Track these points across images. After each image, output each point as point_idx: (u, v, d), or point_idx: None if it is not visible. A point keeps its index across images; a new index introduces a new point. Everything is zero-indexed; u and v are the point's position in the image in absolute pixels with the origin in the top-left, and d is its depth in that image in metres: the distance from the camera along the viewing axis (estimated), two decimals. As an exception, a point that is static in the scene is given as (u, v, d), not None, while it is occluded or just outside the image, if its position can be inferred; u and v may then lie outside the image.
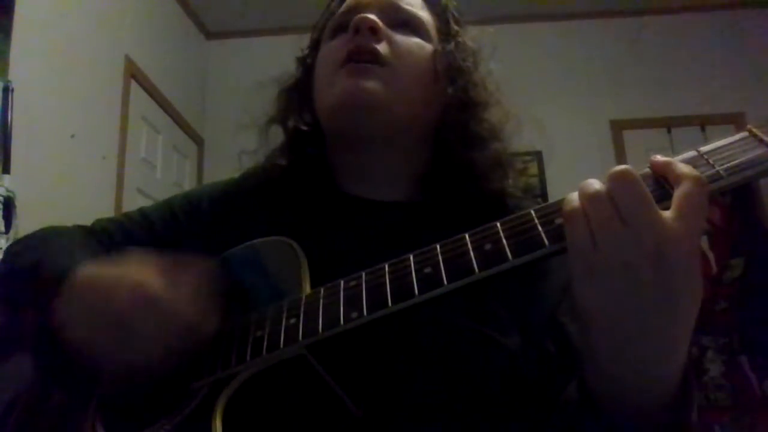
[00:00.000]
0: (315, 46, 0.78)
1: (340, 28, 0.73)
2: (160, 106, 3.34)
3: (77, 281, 0.55)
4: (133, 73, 3.01)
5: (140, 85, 3.10)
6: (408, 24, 0.72)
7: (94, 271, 0.56)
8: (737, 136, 0.48)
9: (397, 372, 0.57)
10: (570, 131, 3.62)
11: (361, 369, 0.55)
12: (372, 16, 0.69)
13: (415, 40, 0.72)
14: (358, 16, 0.69)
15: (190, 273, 0.55)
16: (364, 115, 0.67)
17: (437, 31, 0.75)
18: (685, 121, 3.63)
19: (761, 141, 0.46)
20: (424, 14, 0.75)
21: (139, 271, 0.54)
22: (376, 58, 0.68)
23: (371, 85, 0.66)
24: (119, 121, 2.86)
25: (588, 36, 3.92)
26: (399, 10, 0.73)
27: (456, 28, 0.76)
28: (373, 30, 0.68)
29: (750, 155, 0.46)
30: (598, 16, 3.93)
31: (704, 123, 3.56)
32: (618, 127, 3.75)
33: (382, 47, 0.68)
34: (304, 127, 0.76)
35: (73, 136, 2.44)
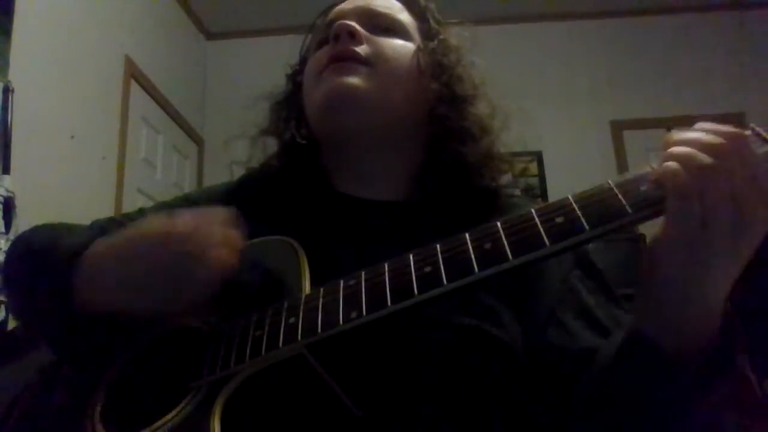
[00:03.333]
0: (303, 63, 0.80)
1: (323, 41, 0.75)
2: (160, 106, 3.33)
3: (99, 247, 0.57)
4: (133, 73, 3.01)
5: (140, 85, 3.10)
6: (389, 27, 0.74)
7: (111, 238, 0.58)
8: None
9: (396, 371, 0.57)
10: (570, 131, 3.63)
11: (361, 368, 0.55)
12: (350, 22, 0.71)
13: (397, 41, 0.73)
14: (337, 23, 0.71)
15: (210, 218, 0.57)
16: (350, 110, 0.69)
17: (419, 32, 0.77)
18: (685, 121, 3.60)
19: (765, 140, 0.47)
20: (404, 16, 0.77)
21: (161, 221, 0.57)
22: (357, 59, 0.69)
23: (354, 80, 0.68)
24: (119, 121, 2.86)
25: (588, 36, 3.92)
26: (378, 15, 0.75)
27: (437, 27, 0.78)
28: (352, 34, 0.70)
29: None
30: (598, 16, 3.93)
31: (704, 123, 3.55)
32: (618, 127, 3.75)
33: (362, 49, 0.70)
34: (297, 138, 0.77)
35: (73, 137, 2.43)
